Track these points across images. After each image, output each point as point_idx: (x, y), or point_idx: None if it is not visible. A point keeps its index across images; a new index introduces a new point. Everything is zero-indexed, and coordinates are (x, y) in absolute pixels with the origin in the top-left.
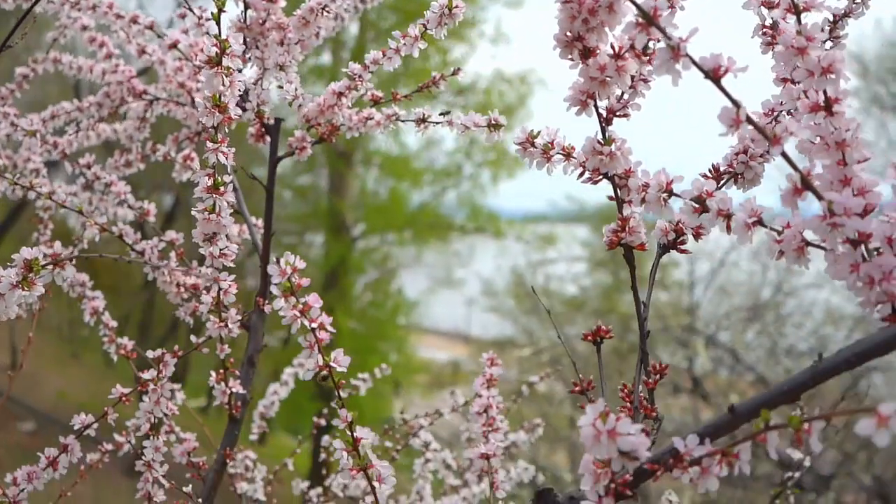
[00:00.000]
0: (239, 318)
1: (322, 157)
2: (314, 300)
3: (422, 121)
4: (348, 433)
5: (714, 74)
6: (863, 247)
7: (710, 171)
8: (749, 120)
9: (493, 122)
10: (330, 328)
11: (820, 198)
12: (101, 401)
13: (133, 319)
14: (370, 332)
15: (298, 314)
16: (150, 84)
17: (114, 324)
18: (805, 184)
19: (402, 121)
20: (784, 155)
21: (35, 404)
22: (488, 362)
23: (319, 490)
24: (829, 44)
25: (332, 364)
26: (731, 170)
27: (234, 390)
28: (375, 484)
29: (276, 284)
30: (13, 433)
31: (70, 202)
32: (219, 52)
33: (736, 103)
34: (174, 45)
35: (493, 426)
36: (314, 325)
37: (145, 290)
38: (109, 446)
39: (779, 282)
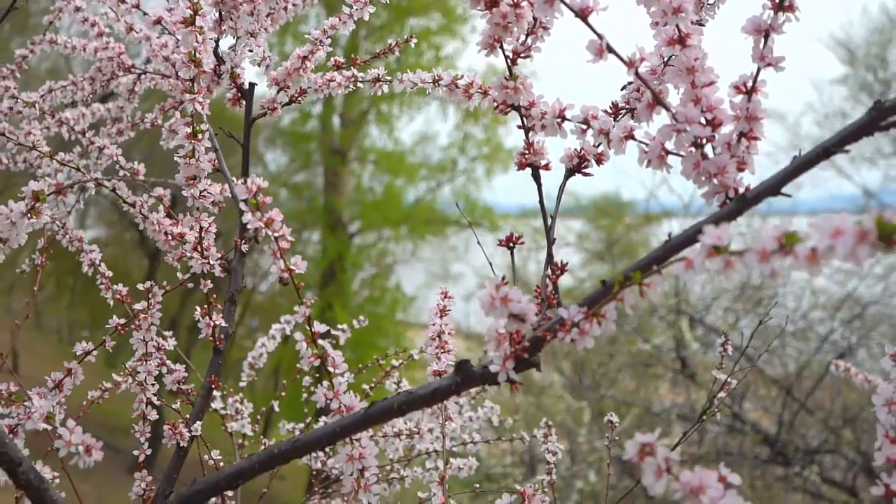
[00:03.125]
0: (219, 255)
1: (317, 155)
2: (276, 214)
3: (377, 80)
4: (307, 327)
5: (582, 13)
6: (708, 150)
7: (610, 106)
8: (609, 49)
9: (436, 78)
10: (290, 237)
11: (668, 110)
12: (101, 399)
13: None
14: (368, 328)
15: (263, 225)
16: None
17: (109, 273)
18: (656, 99)
19: (361, 82)
20: (639, 76)
21: None
22: (441, 295)
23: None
24: None
25: (292, 267)
26: (627, 105)
27: (217, 324)
28: (331, 369)
29: (242, 201)
30: None
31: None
32: (192, 13)
33: (600, 36)
34: (158, 22)
35: (445, 349)
36: (277, 234)
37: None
38: (108, 384)
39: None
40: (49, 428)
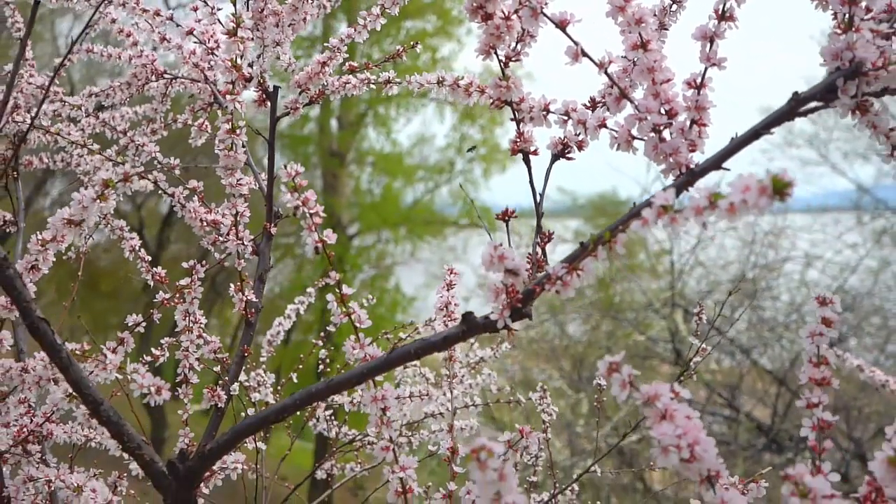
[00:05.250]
0: (252, 237)
1: (316, 157)
2: (311, 195)
3: (387, 82)
4: (337, 290)
5: (562, 25)
6: (666, 134)
7: (588, 100)
8: (584, 53)
9: (440, 79)
10: (322, 213)
11: (632, 102)
12: None
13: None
14: (369, 329)
15: (300, 203)
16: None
17: (148, 258)
18: (622, 94)
19: (373, 84)
20: (608, 75)
21: None
22: (448, 272)
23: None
24: (674, 6)
25: (324, 238)
26: (603, 100)
27: (249, 299)
28: (357, 324)
29: (284, 183)
30: None
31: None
32: (235, 25)
33: (575, 43)
34: (190, 32)
35: (452, 318)
36: (311, 211)
37: (145, 294)
38: (148, 357)
39: (756, 260)
40: (120, 377)
